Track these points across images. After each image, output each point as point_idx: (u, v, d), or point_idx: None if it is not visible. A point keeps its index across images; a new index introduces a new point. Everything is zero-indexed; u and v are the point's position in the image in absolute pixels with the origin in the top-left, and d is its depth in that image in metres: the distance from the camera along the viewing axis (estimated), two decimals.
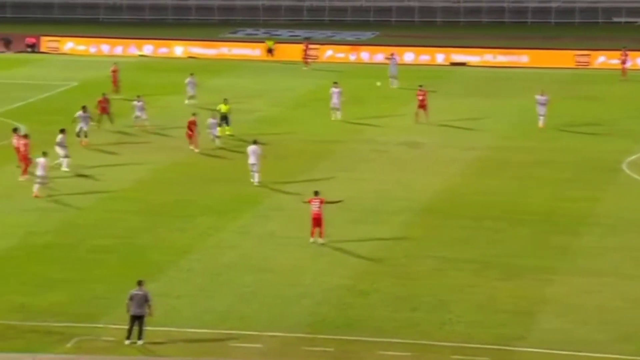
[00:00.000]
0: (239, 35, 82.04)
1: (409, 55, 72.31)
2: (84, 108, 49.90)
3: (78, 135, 47.41)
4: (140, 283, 29.46)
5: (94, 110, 52.15)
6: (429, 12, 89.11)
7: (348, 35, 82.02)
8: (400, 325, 30.52)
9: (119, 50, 75.08)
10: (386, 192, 43.33)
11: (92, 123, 50.00)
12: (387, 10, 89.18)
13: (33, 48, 75.39)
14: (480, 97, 62.35)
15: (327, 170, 46.19)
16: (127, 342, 28.90)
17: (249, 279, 33.88)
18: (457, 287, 33.39)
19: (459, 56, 73.09)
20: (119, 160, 47.45)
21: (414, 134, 53.07)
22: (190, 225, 38.78)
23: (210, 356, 28.36)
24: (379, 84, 58.41)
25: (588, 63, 71.62)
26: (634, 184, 45.06)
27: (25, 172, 44.00)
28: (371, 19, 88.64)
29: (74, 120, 49.29)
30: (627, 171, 46.75)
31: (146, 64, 71.26)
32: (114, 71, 61.28)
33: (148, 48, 75.44)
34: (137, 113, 52.87)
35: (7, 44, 76.01)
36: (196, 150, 48.47)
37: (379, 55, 72.46)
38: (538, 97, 54.54)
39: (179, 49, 75.25)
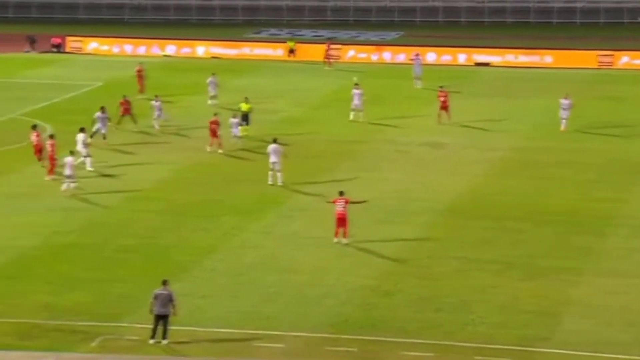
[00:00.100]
0: (263, 35, 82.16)
1: (432, 56, 72.23)
2: (102, 109, 50.08)
3: (91, 136, 47.49)
4: (164, 282, 29.59)
5: (115, 112, 52.42)
6: (453, 12, 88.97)
7: (372, 36, 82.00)
8: (423, 325, 30.54)
9: (143, 50, 75.33)
10: (409, 192, 43.34)
11: (110, 123, 50.09)
12: (412, 10, 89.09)
13: (58, 48, 75.76)
14: (504, 98, 62.22)
15: (350, 171, 46.23)
16: (151, 341, 29.03)
17: (272, 279, 33.96)
18: (480, 288, 33.37)
19: (482, 56, 72.93)
20: (143, 160, 47.64)
21: (437, 134, 53.04)
22: (214, 225, 38.92)
23: (234, 356, 28.46)
24: (355, 79, 58.42)
25: (611, 63, 71.34)
26: None
27: (51, 172, 44.28)
28: (395, 19, 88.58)
29: (94, 121, 49.47)
30: None
31: (170, 64, 71.48)
32: (139, 71, 61.49)
33: (172, 48, 75.67)
34: (157, 113, 53.03)
35: (32, 43, 76.41)
36: (220, 151, 48.59)
37: (402, 55, 72.42)
38: (562, 100, 54.34)
39: (203, 49, 75.45)
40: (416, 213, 40.54)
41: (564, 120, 53.87)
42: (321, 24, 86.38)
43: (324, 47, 71.49)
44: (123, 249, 36.49)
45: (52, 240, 37.26)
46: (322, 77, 67.53)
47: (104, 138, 49.34)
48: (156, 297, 29.24)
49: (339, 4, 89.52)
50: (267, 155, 44.39)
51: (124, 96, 53.69)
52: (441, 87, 56.20)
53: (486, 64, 72.23)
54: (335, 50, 72.30)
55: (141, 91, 59.92)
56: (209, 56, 74.33)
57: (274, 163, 43.71)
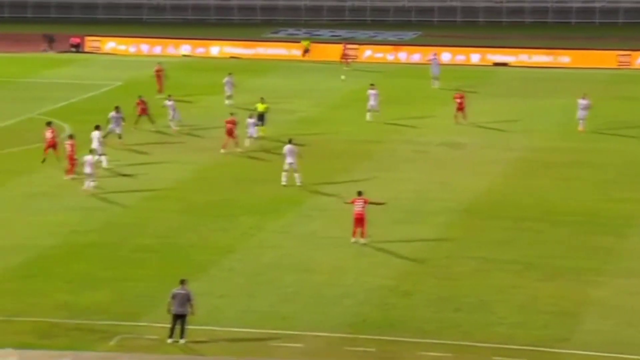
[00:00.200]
0: (281, 35, 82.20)
1: (450, 56, 72.09)
2: (116, 108, 50.15)
3: (104, 136, 47.52)
4: (183, 282, 29.61)
5: (133, 112, 52.53)
6: (471, 12, 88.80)
7: (390, 36, 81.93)
8: (441, 326, 30.47)
9: (162, 50, 75.48)
10: (427, 192, 43.27)
11: (124, 123, 50.10)
12: (430, 10, 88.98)
13: (77, 48, 75.98)
14: (522, 98, 62.07)
15: (368, 171, 46.18)
16: (169, 340, 29.06)
17: (290, 278, 33.95)
18: (499, 288, 33.28)
19: (500, 56, 72.77)
20: (161, 160, 47.71)
21: (455, 134, 52.94)
22: (232, 225, 38.93)
23: (252, 356, 28.45)
24: (343, 77, 58.35)
25: (629, 63, 71.06)
26: None
27: (70, 171, 44.40)
28: (413, 19, 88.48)
29: (109, 121, 49.53)
30: None
31: (189, 64, 71.58)
32: (158, 71, 61.58)
33: (191, 48, 75.78)
34: (171, 113, 53.02)
35: (50, 42, 76.67)
36: (238, 150, 48.57)
37: (419, 55, 72.36)
38: (580, 100, 54.14)
39: (222, 49, 75.53)
40: (434, 213, 40.46)
41: (581, 121, 53.66)
42: (339, 24, 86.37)
43: (340, 47, 71.48)
44: (141, 249, 36.54)
45: (71, 239, 37.35)
46: (339, 77, 67.45)
47: (120, 137, 49.38)
48: (174, 296, 29.26)
49: (357, 4, 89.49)
50: (282, 155, 44.30)
51: (140, 96, 53.77)
52: (457, 89, 56.10)
53: (504, 64, 72.08)
54: (352, 50, 72.19)
55: (160, 91, 59.99)
56: (228, 56, 74.41)
57: (290, 164, 43.64)
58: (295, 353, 28.78)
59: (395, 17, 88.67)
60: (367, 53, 74.08)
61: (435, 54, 66.80)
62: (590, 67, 70.21)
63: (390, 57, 73.68)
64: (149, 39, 76.88)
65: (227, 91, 59.10)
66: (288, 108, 58.18)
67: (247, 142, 49.36)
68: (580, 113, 53.84)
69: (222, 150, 48.44)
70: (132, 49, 76.12)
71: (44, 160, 45.75)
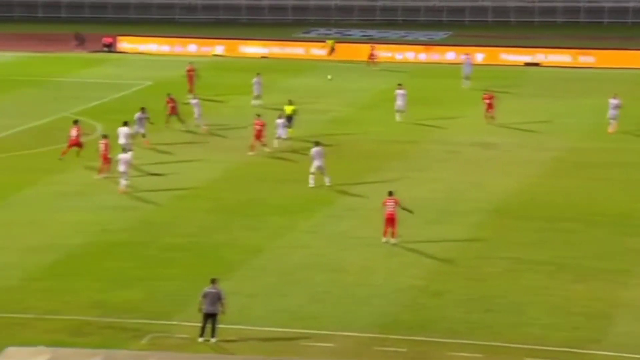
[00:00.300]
0: (312, 35, 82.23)
1: (481, 55, 71.85)
2: (142, 109, 50.33)
3: (133, 136, 47.62)
4: (213, 281, 29.67)
5: (163, 111, 52.70)
6: (502, 12, 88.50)
7: (421, 35, 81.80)
8: (473, 326, 30.37)
9: (193, 49, 75.72)
10: (459, 192, 43.14)
11: (150, 124, 50.13)
12: (461, 10, 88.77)
13: (110, 48, 76.38)
14: (554, 98, 61.78)
15: (400, 171, 46.10)
16: (200, 339, 29.13)
17: (320, 278, 33.95)
18: (531, 289, 33.12)
19: (532, 56, 72.47)
20: (191, 159, 47.83)
21: (487, 134, 52.77)
22: (262, 225, 38.98)
23: (282, 355, 28.45)
24: (329, 77, 58.24)
25: None
26: None
27: (102, 170, 44.62)
28: (444, 19, 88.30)
29: (135, 122, 49.65)
30: None
31: (220, 64, 71.75)
32: (189, 71, 61.74)
33: (222, 48, 75.96)
34: (197, 111, 53.09)
35: (81, 41, 77.11)
36: (266, 150, 48.57)
37: (450, 55, 72.19)
38: (611, 100, 53.81)
39: (253, 49, 75.66)
40: (466, 213, 40.34)
41: (612, 121, 53.32)
42: (370, 24, 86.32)
43: (367, 47, 71.42)
44: (172, 248, 36.66)
45: (102, 238, 37.52)
46: (371, 77, 67.46)
47: (144, 136, 49.50)
48: (205, 295, 29.32)
49: (388, 3, 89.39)
50: (310, 158, 44.12)
51: (169, 94, 53.92)
52: (486, 89, 55.92)
53: (536, 64, 71.78)
54: (380, 50, 71.96)
55: (191, 91, 60.16)
56: (259, 56, 74.52)
57: (318, 167, 43.48)
58: (325, 353, 28.76)
59: (427, 17, 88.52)
60: (397, 53, 73.94)
61: (467, 54, 66.62)
62: (621, 67, 69.76)
63: (422, 57, 73.52)
64: (182, 39, 77.12)
65: (256, 91, 59.06)
66: (318, 108, 58.18)
67: (275, 143, 49.38)
68: (611, 113, 53.51)
69: (249, 153, 48.41)
70: (165, 49, 76.39)
71: (61, 158, 46.04)
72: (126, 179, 42.60)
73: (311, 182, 43.54)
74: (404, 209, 37.15)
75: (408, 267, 34.94)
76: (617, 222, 39.41)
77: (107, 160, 44.42)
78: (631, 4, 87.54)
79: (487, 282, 33.74)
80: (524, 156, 49.00)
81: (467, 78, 63.93)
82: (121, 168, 42.70)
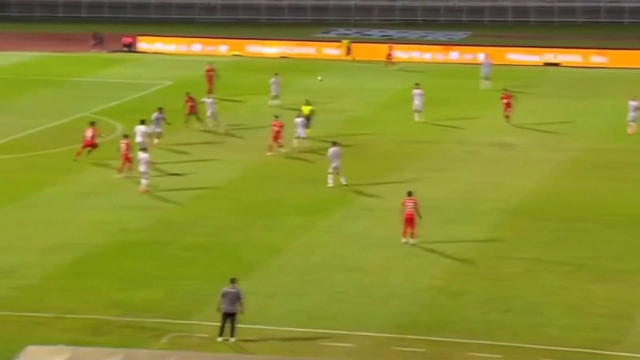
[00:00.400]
0: (332, 35, 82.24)
1: (500, 56, 71.68)
2: (159, 109, 50.45)
3: (150, 137, 47.73)
4: (233, 281, 29.73)
5: (182, 110, 52.84)
6: (522, 12, 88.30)
7: (440, 35, 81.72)
8: (491, 327, 30.33)
9: (212, 49, 75.85)
10: (477, 193, 43.09)
11: (166, 124, 50.23)
12: (480, 10, 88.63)
13: (130, 47, 76.60)
14: (574, 98, 61.61)
15: (418, 171, 46.07)
16: (219, 339, 29.19)
17: (339, 278, 33.97)
18: (549, 290, 33.05)
19: (552, 56, 72.29)
20: (209, 159, 47.93)
21: (506, 135, 52.67)
22: (281, 224, 39.03)
23: (301, 355, 28.48)
24: (320, 78, 58.19)
25: None
26: None
27: (122, 170, 44.78)
28: (464, 19, 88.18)
29: (152, 122, 49.78)
30: None
31: (239, 64, 71.86)
32: (209, 71, 61.86)
33: (241, 47, 76.04)
34: (210, 111, 53.11)
35: (99, 41, 77.39)
36: (282, 150, 48.58)
37: (470, 55, 72.09)
38: (631, 102, 53.58)
39: (272, 49, 75.74)
40: (484, 213, 40.29)
41: (632, 123, 53.09)
42: (389, 24, 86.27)
43: (385, 47, 71.39)
44: (191, 247, 36.76)
45: (122, 237, 37.65)
46: (389, 78, 67.45)
47: (158, 137, 49.49)
48: (224, 295, 29.39)
49: (408, 3, 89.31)
50: (328, 158, 44.10)
51: (188, 94, 54.05)
52: (505, 89, 55.83)
53: (556, 64, 71.60)
54: (398, 50, 71.86)
55: (210, 91, 60.24)
56: (278, 56, 74.61)
57: (335, 167, 43.48)
58: (344, 353, 28.78)
59: (446, 17, 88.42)
60: (416, 53, 73.89)
61: (487, 55, 66.53)
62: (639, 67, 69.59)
63: (441, 57, 73.46)
64: (201, 39, 77.27)
65: (273, 91, 59.03)
66: (337, 108, 58.20)
67: (295, 142, 49.42)
68: (631, 115, 53.31)
69: (267, 153, 48.45)
70: (185, 49, 76.56)
71: (76, 159, 46.23)
72: (147, 179, 42.74)
73: (330, 182, 43.56)
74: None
75: (426, 267, 34.93)
76: (635, 223, 39.27)
77: (128, 159, 44.57)
78: None
79: (506, 282, 33.69)
80: (543, 156, 48.89)
81: (487, 78, 63.79)
82: (142, 168, 42.85)
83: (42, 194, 42.75)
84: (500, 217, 39.94)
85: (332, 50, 75.50)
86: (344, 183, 43.45)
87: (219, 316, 29.32)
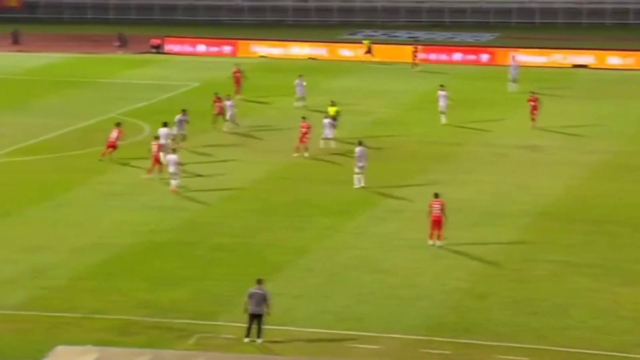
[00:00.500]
0: (358, 36, 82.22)
1: (528, 57, 71.50)
2: (183, 111, 50.56)
3: (173, 139, 47.79)
4: (259, 282, 29.78)
5: (210, 110, 52.98)
6: (550, 14, 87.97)
7: (467, 37, 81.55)
8: (518, 329, 30.25)
9: (239, 51, 76.01)
10: (504, 195, 42.97)
11: (187, 126, 50.25)
12: (507, 11, 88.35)
13: (158, 49, 76.89)
14: (602, 100, 61.34)
15: (445, 173, 46.00)
16: (246, 340, 29.25)
17: (366, 279, 33.97)
18: (577, 292, 32.93)
19: (580, 58, 71.99)
20: (236, 160, 48.03)
21: (533, 137, 52.51)
22: (307, 225, 39.07)
23: (328, 356, 28.50)
24: (304, 83, 58.12)
25: None
26: None
27: (151, 170, 44.96)
28: (491, 20, 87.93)
29: (176, 124, 49.84)
30: None
31: (266, 65, 71.97)
32: (236, 72, 61.99)
33: (268, 49, 76.21)
34: (229, 113, 53.16)
35: (123, 42, 77.72)
36: (305, 155, 48.47)
37: (497, 57, 71.92)
38: None
39: (299, 50, 75.82)
40: (512, 215, 40.18)
41: None
42: (416, 25, 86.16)
43: (410, 48, 71.30)
44: (218, 248, 36.85)
45: (150, 238, 37.80)
46: (413, 79, 67.36)
47: (183, 139, 49.51)
48: (251, 296, 29.44)
49: (435, 5, 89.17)
50: (354, 158, 44.06)
51: (216, 94, 54.16)
52: (532, 92, 55.67)
53: (584, 66, 71.29)
54: (423, 52, 71.75)
55: (237, 92, 60.39)
56: (305, 57, 74.68)
57: (361, 167, 43.47)
58: (371, 354, 28.78)
59: (473, 18, 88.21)
60: (442, 54, 73.78)
61: (514, 56, 66.33)
62: None
63: (466, 58, 73.29)
64: (229, 40, 77.42)
65: (298, 93, 59.01)
66: (363, 109, 58.19)
67: (321, 144, 49.45)
68: None
69: (294, 154, 48.49)
70: (212, 50, 76.75)
71: (101, 159, 46.51)
72: (177, 179, 42.91)
73: (356, 183, 43.57)
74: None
75: (453, 269, 34.87)
76: None
77: (158, 161, 44.75)
78: None
79: (533, 284, 33.59)
80: (570, 159, 48.70)
81: (514, 81, 63.55)
82: (171, 169, 43.03)
83: (71, 194, 42.98)
84: (527, 220, 39.82)
85: (358, 52, 75.35)
86: (362, 185, 43.34)
87: (246, 317, 29.38)
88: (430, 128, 54.22)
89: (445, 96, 55.29)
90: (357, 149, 44.08)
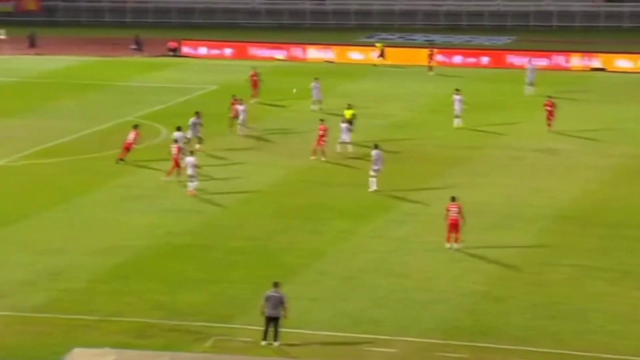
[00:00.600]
0: (375, 39, 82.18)
1: (546, 61, 71.35)
2: (197, 114, 50.62)
3: (186, 143, 47.83)
4: (276, 285, 29.81)
5: (227, 113, 53.04)
6: (567, 17, 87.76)
7: (485, 40, 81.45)
8: (536, 333, 30.17)
9: (258, 54, 76.09)
10: (521, 198, 42.88)
11: (202, 128, 50.32)
12: (525, 14, 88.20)
13: (175, 52, 77.06)
14: (619, 103, 61.14)
15: (462, 176, 45.94)
16: (263, 343, 29.28)
17: (382, 283, 33.95)
18: (595, 296, 32.83)
19: (598, 61, 71.77)
20: (253, 163, 48.09)
21: (549, 140, 52.39)
22: (324, 229, 39.08)
23: (343, 359, 28.49)
24: (295, 90, 58.05)
25: None
26: None
27: (170, 173, 45.05)
28: (508, 23, 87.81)
29: (189, 127, 49.91)
30: None
31: (283, 68, 72.03)
32: (253, 76, 62.05)
33: (285, 52, 76.27)
34: (242, 116, 53.20)
35: (139, 45, 77.91)
36: (322, 159, 48.45)
37: (514, 60, 71.80)
38: None
39: (316, 53, 75.84)
40: (529, 219, 40.09)
41: None
42: (433, 29, 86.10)
43: (426, 51, 71.25)
44: (235, 251, 36.90)
45: (167, 240, 37.87)
46: (429, 82, 67.31)
47: (200, 142, 49.60)
48: (267, 299, 29.47)
49: (452, 8, 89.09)
50: (371, 161, 44.04)
51: (234, 96, 54.22)
52: (549, 96, 55.52)
53: (602, 69, 71.08)
54: (439, 55, 71.65)
55: (254, 96, 60.46)
56: (322, 60, 74.69)
57: (377, 170, 43.44)
58: (387, 358, 28.76)
59: (491, 21, 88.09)
60: (459, 57, 73.69)
61: (531, 60, 66.18)
62: None
63: (482, 62, 73.20)
64: (246, 43, 77.50)
65: (314, 96, 59.00)
66: (380, 112, 58.17)
67: (338, 148, 49.45)
68: None
69: (311, 157, 48.53)
70: (229, 53, 76.87)
71: (117, 162, 46.63)
72: (195, 181, 43.00)
73: (372, 186, 43.55)
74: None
75: (470, 272, 34.82)
76: None
77: (177, 164, 44.84)
78: None
79: (551, 288, 33.50)
80: (588, 162, 48.57)
81: (531, 84, 63.40)
82: (189, 171, 43.13)
83: (89, 197, 43.11)
84: (544, 223, 39.73)
85: (376, 55, 75.28)
86: (375, 188, 43.28)
87: (262, 320, 29.41)
88: (446, 131, 54.16)
89: (460, 100, 55.23)
90: (374, 152, 44.10)
